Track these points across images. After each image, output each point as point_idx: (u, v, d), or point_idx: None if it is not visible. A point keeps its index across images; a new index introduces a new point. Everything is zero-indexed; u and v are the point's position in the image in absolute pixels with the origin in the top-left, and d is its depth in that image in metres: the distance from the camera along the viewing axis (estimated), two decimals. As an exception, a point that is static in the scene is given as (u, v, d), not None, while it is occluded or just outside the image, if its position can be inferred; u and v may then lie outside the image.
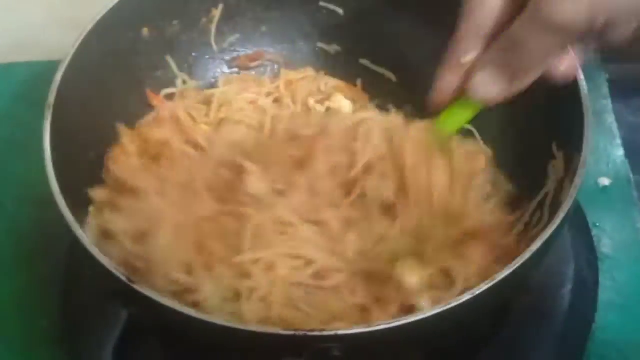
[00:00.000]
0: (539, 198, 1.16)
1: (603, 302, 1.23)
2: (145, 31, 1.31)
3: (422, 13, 1.33)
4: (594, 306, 1.22)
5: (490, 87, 0.99)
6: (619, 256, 1.30)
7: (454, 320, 0.94)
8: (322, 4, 1.41)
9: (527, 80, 0.98)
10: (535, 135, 1.21)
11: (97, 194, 1.17)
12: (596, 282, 1.24)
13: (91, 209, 1.16)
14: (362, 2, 1.39)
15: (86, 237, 1.01)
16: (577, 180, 1.04)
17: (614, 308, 1.24)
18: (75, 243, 1.01)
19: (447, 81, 1.03)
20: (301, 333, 0.90)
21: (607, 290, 1.25)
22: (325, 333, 0.91)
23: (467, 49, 0.99)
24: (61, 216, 1.02)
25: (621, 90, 1.55)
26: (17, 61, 1.58)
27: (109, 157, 1.22)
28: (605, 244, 1.31)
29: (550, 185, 1.15)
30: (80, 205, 1.14)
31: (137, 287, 0.95)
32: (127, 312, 1.00)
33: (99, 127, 1.23)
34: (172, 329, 1.00)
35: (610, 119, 1.45)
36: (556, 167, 1.15)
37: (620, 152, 1.41)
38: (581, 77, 1.10)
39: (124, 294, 0.97)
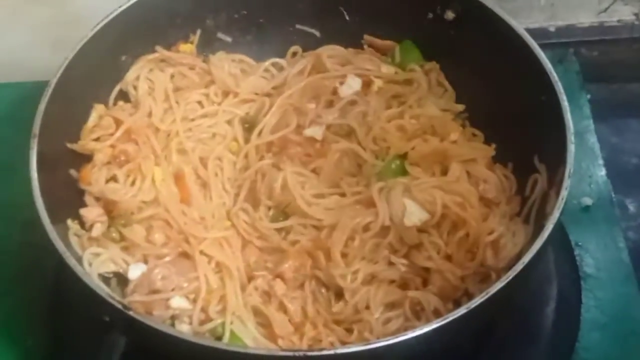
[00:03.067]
0: (525, 211, 1.25)
1: (586, 321, 1.32)
2: (124, 57, 1.40)
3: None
4: (577, 325, 1.31)
5: None
6: (602, 275, 1.38)
7: (447, 336, 1.04)
8: (298, 26, 1.49)
9: None
10: (517, 149, 1.30)
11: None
12: (579, 301, 1.34)
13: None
14: (336, 23, 1.48)
15: (80, 267, 1.11)
16: (563, 193, 1.13)
17: (597, 327, 1.32)
18: (64, 267, 1.10)
19: None
20: (300, 353, 0.99)
21: (590, 309, 1.34)
22: (324, 352, 1.00)
23: None
24: (53, 247, 1.11)
25: (603, 111, 1.61)
26: (5, 82, 1.66)
27: (80, 178, 1.29)
28: (588, 263, 1.39)
29: (534, 199, 1.25)
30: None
31: (133, 314, 1.04)
32: (124, 338, 1.06)
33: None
34: (170, 355, 1.07)
35: (593, 139, 1.54)
36: (539, 181, 1.25)
37: (602, 172, 1.49)
38: (561, 90, 1.22)
39: (120, 321, 1.06)
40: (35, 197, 1.14)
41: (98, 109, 1.34)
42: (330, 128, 1.34)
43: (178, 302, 1.17)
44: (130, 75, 1.39)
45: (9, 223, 1.44)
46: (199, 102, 1.40)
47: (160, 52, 1.41)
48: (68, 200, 1.26)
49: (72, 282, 1.10)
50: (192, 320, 1.17)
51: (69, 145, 1.29)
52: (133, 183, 1.29)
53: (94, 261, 1.20)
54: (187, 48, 1.44)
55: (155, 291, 1.17)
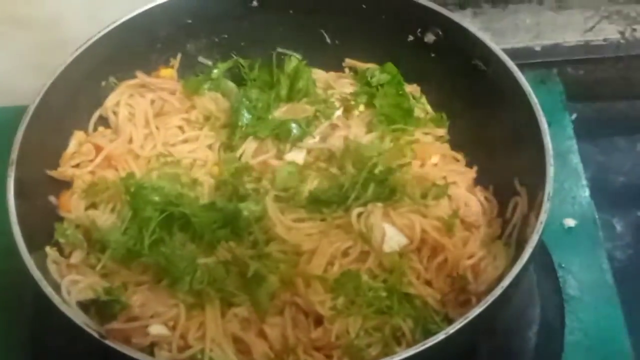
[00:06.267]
0: (506, 233, 1.26)
1: (569, 344, 1.34)
2: (104, 82, 1.41)
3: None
4: (561, 348, 1.33)
5: None
6: (585, 297, 1.40)
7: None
8: (279, 49, 1.50)
9: None
10: (498, 172, 1.31)
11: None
12: (562, 323, 1.36)
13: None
14: (317, 47, 1.49)
15: (56, 295, 1.10)
16: (543, 216, 1.14)
17: (580, 349, 1.34)
18: (43, 297, 1.09)
19: None
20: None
21: (574, 332, 1.35)
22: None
23: None
24: (30, 277, 1.11)
25: (588, 130, 1.61)
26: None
27: (60, 205, 1.29)
28: (571, 285, 1.40)
29: (515, 221, 1.25)
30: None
31: (110, 342, 1.05)
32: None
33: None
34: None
35: (576, 160, 1.54)
36: (520, 204, 1.25)
37: (585, 193, 1.50)
38: (540, 113, 1.21)
39: (97, 350, 1.06)
40: (12, 225, 1.14)
41: (77, 136, 1.35)
42: (311, 152, 1.35)
43: (157, 329, 1.16)
44: (110, 100, 1.40)
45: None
46: (180, 127, 1.40)
47: (141, 77, 1.42)
48: (46, 227, 1.25)
49: (49, 310, 1.10)
50: (172, 347, 1.16)
51: (48, 172, 1.29)
52: (113, 209, 1.29)
53: (73, 289, 1.20)
54: (167, 73, 1.45)
55: (134, 318, 1.17)
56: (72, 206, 1.29)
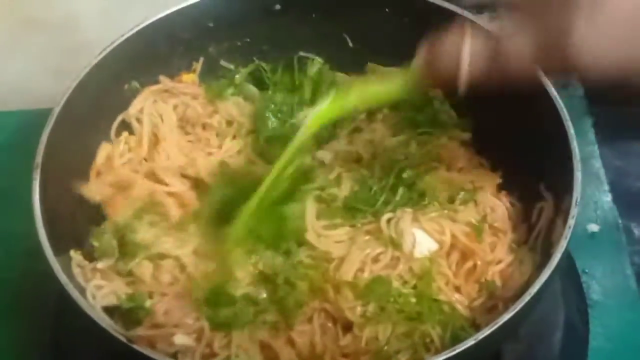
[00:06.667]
0: (531, 239, 1.26)
1: (593, 349, 1.32)
2: (127, 86, 1.41)
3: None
4: (585, 353, 1.31)
5: None
6: (609, 302, 1.39)
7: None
8: (301, 53, 1.49)
9: None
10: (523, 177, 1.30)
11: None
12: (586, 329, 1.34)
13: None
14: (340, 50, 1.48)
15: (83, 299, 1.09)
16: (571, 221, 1.14)
17: (604, 354, 1.32)
18: (67, 299, 1.09)
19: None
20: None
21: (598, 337, 1.34)
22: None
23: None
24: (57, 280, 1.10)
25: (607, 134, 1.61)
26: (6, 110, 1.67)
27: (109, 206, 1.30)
28: (595, 290, 1.40)
29: (540, 227, 1.25)
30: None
31: (137, 347, 1.04)
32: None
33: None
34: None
35: (597, 165, 1.54)
36: (545, 209, 1.25)
37: (607, 198, 1.50)
38: (566, 117, 1.22)
39: (123, 355, 1.05)
40: (38, 229, 1.13)
41: (105, 148, 1.36)
42: (338, 155, 1.35)
43: (181, 340, 1.15)
44: (134, 107, 1.39)
45: (9, 251, 1.44)
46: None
47: (164, 82, 1.42)
48: (71, 230, 1.25)
49: (74, 314, 1.09)
50: (195, 356, 1.15)
51: (77, 188, 1.30)
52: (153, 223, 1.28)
53: (98, 293, 1.19)
54: (189, 78, 1.44)
55: (158, 325, 1.17)
56: (120, 211, 1.28)
